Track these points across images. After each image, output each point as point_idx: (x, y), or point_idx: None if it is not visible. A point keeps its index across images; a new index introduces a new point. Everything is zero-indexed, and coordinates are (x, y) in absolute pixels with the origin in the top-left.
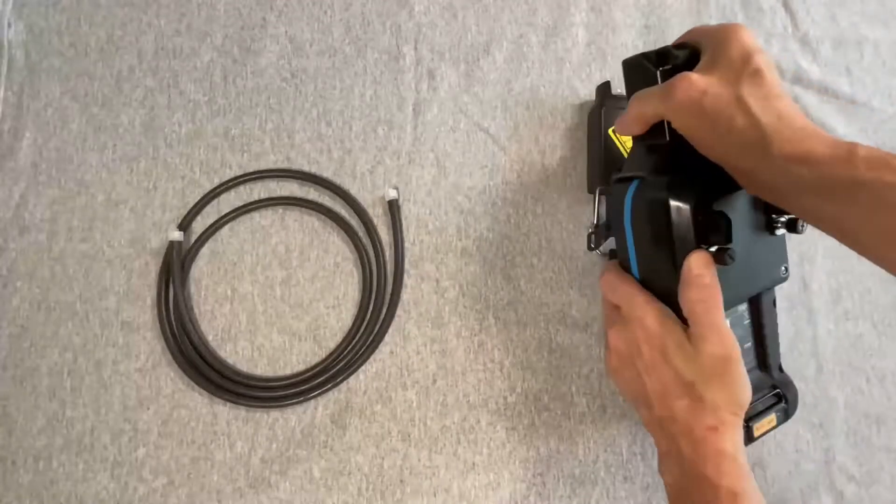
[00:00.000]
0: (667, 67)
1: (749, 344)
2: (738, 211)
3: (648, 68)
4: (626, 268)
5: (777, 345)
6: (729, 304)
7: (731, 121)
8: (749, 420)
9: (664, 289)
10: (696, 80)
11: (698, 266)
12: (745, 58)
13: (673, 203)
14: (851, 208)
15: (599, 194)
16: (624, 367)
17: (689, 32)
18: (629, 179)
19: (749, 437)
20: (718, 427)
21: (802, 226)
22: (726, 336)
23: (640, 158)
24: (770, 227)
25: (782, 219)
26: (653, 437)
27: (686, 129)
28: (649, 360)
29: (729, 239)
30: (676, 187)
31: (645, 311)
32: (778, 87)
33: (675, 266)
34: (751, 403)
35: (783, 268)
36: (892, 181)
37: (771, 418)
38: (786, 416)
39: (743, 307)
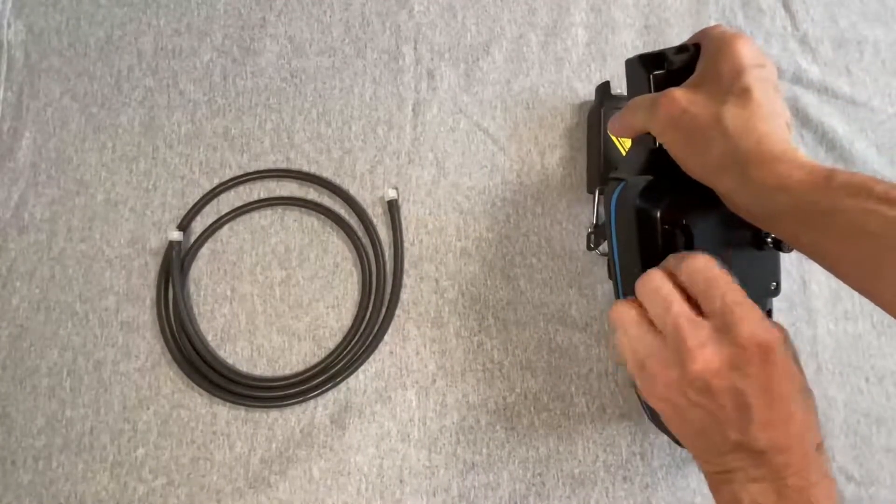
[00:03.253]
0: (659, 72)
1: None
2: (721, 224)
3: (642, 71)
4: (610, 269)
5: None
6: None
7: (709, 142)
8: None
9: None
10: (678, 98)
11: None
12: (735, 74)
13: (641, 208)
14: (830, 236)
15: (599, 194)
16: (707, 394)
17: (697, 34)
18: (620, 180)
19: None
20: (822, 442)
21: (789, 246)
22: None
23: (634, 159)
24: (758, 243)
25: (771, 237)
26: (717, 468)
27: (668, 145)
28: (765, 379)
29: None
30: (650, 193)
31: (755, 314)
32: (765, 108)
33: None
34: None
35: (773, 284)
36: (872, 208)
37: None
38: None
39: None
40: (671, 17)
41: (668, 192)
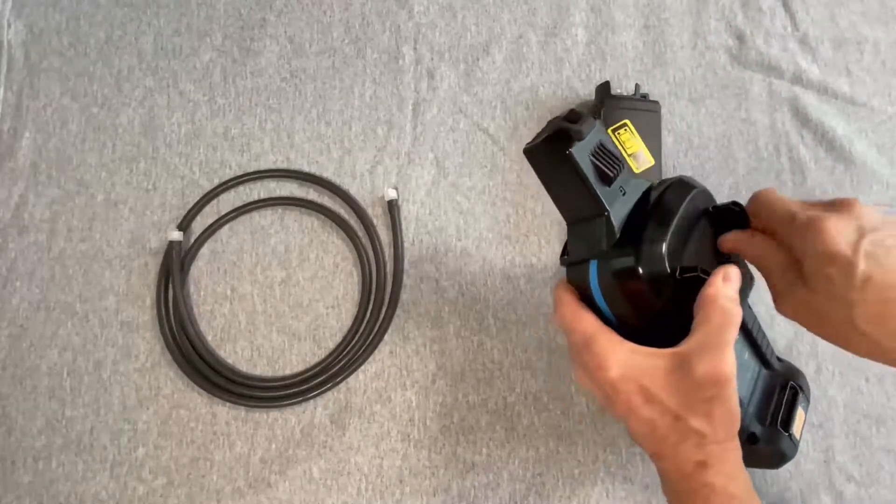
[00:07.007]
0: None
1: (748, 352)
2: (705, 247)
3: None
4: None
5: (765, 337)
6: None
7: (848, 339)
8: (787, 427)
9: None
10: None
11: (728, 285)
12: (848, 270)
13: (646, 274)
14: None
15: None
16: (608, 407)
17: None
18: (584, 261)
19: (794, 445)
20: (707, 461)
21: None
22: (729, 356)
23: (585, 238)
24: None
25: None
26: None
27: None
28: (626, 404)
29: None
30: (645, 258)
31: (607, 357)
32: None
33: (666, 329)
34: (776, 406)
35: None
36: None
37: (800, 413)
38: (807, 401)
39: None
40: (671, 17)
41: (653, 248)
